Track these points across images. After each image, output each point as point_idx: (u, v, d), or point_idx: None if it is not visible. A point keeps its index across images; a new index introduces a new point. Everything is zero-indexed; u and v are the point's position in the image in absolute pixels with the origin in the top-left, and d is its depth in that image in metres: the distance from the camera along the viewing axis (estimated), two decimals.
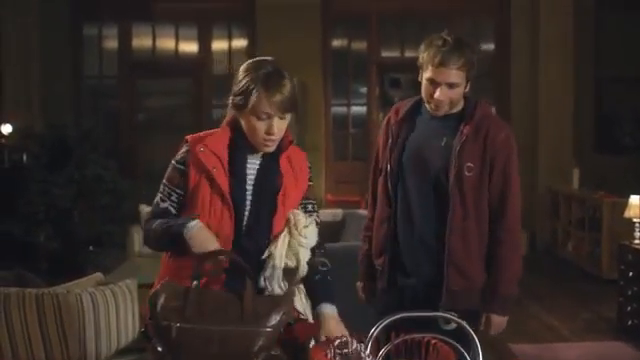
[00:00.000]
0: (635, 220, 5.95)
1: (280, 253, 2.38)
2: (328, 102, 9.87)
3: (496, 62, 9.83)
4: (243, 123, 2.38)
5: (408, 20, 9.58)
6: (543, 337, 5.78)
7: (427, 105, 2.86)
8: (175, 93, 10.14)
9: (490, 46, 9.97)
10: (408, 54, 9.55)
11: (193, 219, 2.32)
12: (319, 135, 9.64)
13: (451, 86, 2.77)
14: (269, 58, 2.45)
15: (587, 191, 8.37)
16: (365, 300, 3.12)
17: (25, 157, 7.77)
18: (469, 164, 2.78)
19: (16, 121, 8.47)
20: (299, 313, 2.49)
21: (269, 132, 2.34)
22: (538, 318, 6.30)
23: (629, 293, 5.74)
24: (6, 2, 9.02)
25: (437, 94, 2.78)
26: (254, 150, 2.42)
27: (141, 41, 9.88)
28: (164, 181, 2.45)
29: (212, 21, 9.83)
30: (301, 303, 2.52)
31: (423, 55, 2.80)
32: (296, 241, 2.40)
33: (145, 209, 7.06)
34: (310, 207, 2.53)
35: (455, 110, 2.86)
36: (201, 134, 2.45)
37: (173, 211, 2.42)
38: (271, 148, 2.40)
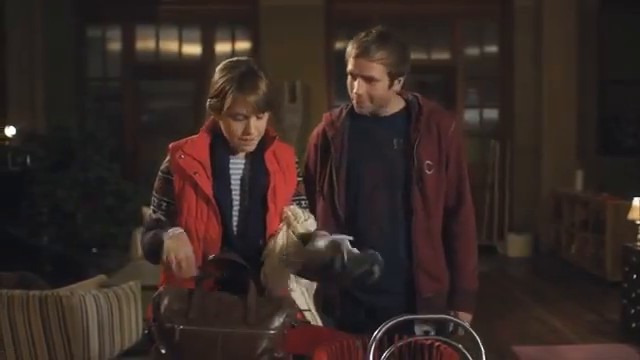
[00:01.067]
0: (639, 222, 5.94)
1: (281, 249, 2.36)
2: (331, 104, 9.85)
3: (499, 65, 9.83)
4: (221, 125, 2.38)
5: (410, 22, 9.57)
6: (547, 339, 5.76)
7: (353, 102, 2.74)
8: (178, 95, 10.15)
9: (493, 49, 9.96)
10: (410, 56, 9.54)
11: (172, 227, 2.33)
12: None
13: (369, 80, 2.63)
14: (245, 58, 2.42)
15: (591, 193, 8.36)
16: None
17: (29, 159, 7.77)
18: (428, 162, 2.69)
19: (20, 123, 8.48)
20: (303, 315, 2.49)
21: (247, 132, 2.34)
22: (542, 320, 6.29)
23: (633, 295, 5.72)
24: (10, 4, 9.03)
25: (355, 87, 2.66)
26: (236, 151, 2.42)
27: (145, 43, 9.89)
28: (153, 192, 2.47)
29: (216, 23, 9.84)
30: (304, 300, 2.52)
31: (347, 48, 2.68)
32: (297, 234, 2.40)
33: (148, 211, 7.05)
34: (304, 203, 2.53)
35: (391, 111, 2.74)
36: (181, 141, 2.45)
37: (166, 220, 2.43)
38: (250, 148, 2.40)
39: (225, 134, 2.39)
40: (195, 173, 2.35)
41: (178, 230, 2.31)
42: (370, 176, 2.71)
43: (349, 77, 2.69)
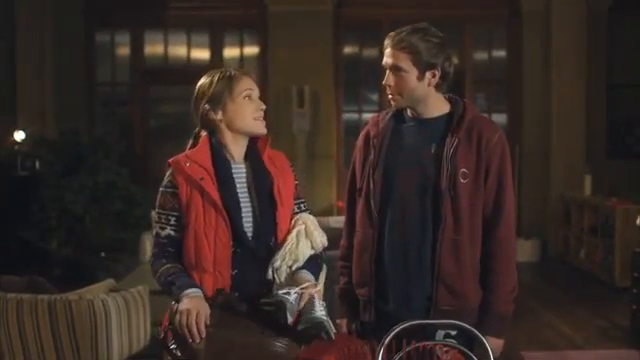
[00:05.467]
0: None
1: (290, 247, 2.43)
2: (340, 109, 9.87)
3: (508, 69, 9.82)
4: (227, 122, 2.47)
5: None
6: (556, 345, 5.74)
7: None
8: (187, 100, 10.01)
9: (502, 53, 9.96)
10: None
11: (191, 286, 2.35)
12: (331, 142, 9.64)
13: (396, 70, 2.58)
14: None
15: (599, 198, 8.33)
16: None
17: (38, 164, 7.80)
18: (463, 170, 2.55)
19: (29, 128, 8.52)
20: None
21: (259, 108, 2.49)
22: (551, 326, 6.27)
23: None
24: (20, 9, 9.08)
25: (385, 79, 2.62)
26: (235, 158, 2.49)
27: (153, 48, 9.91)
28: (158, 210, 2.50)
29: (224, 28, 9.86)
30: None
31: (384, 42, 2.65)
32: (314, 244, 2.47)
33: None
34: (303, 207, 2.59)
35: (435, 114, 2.64)
36: (182, 153, 2.53)
37: (176, 235, 2.46)
38: (263, 127, 2.50)
39: (236, 122, 2.47)
40: (201, 179, 2.41)
41: (198, 293, 2.34)
42: (403, 179, 2.62)
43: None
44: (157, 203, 2.50)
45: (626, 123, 9.97)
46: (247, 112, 2.46)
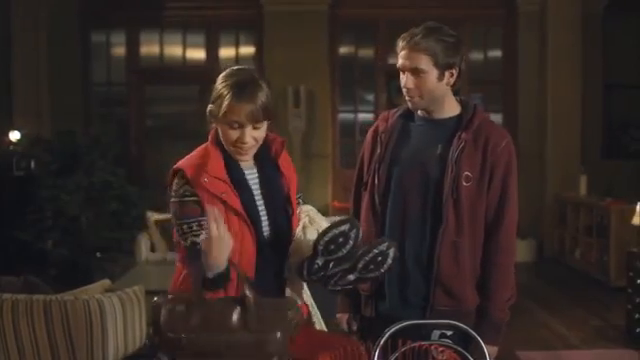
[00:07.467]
0: None
1: (299, 240, 2.40)
2: (335, 109, 9.88)
3: (504, 69, 9.83)
4: (219, 131, 2.36)
5: (415, 27, 9.57)
6: (552, 345, 5.75)
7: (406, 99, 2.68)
8: (183, 100, 10.16)
9: (498, 53, 9.97)
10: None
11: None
12: (326, 142, 9.65)
13: (416, 72, 2.57)
14: (248, 67, 2.41)
15: (595, 198, 8.34)
16: (349, 332, 2.81)
17: (33, 164, 7.79)
18: (467, 173, 2.55)
19: (25, 128, 8.51)
20: (309, 311, 2.49)
21: (241, 141, 2.30)
22: (546, 325, 6.28)
23: (637, 300, 5.71)
24: (16, 9, 9.07)
25: (403, 81, 2.61)
26: (244, 164, 2.39)
27: (149, 48, 9.91)
28: (184, 220, 2.31)
29: (220, 28, 9.86)
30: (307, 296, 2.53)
31: (397, 44, 2.64)
32: (319, 230, 2.42)
33: (153, 216, 7.06)
34: (301, 201, 2.56)
35: (446, 115, 2.65)
36: (192, 160, 2.36)
37: None
38: (246, 157, 2.37)
39: (222, 140, 2.36)
40: (223, 194, 2.29)
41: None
42: (407, 177, 2.63)
43: (400, 74, 2.64)
44: (178, 214, 2.31)
45: (621, 123, 9.99)
46: (228, 139, 2.32)
